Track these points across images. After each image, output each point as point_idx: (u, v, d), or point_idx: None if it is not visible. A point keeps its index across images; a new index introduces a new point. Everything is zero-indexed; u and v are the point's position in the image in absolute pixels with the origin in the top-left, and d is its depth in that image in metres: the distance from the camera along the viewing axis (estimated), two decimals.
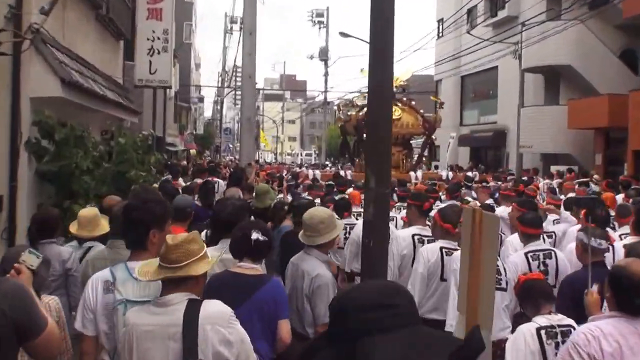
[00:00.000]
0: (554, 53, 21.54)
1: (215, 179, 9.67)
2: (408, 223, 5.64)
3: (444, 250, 4.51)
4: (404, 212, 6.92)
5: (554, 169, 19.34)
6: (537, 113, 22.58)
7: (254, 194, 7.05)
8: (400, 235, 5.28)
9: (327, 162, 34.53)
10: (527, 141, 22.34)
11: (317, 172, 15.07)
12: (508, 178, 14.69)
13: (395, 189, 8.90)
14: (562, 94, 22.91)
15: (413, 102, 15.20)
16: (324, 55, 40.40)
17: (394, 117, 13.59)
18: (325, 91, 39.61)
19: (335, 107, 17.62)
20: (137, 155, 6.92)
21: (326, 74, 39.40)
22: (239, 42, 40.67)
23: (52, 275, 3.87)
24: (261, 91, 63.63)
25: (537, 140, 22.30)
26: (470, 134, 29.62)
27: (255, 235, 3.14)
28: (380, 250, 3.84)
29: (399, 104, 14.75)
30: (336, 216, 4.14)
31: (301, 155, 57.91)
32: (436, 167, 22.95)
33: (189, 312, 2.36)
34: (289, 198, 8.30)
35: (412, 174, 13.83)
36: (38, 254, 2.58)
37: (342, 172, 14.21)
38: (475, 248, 2.32)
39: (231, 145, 41.95)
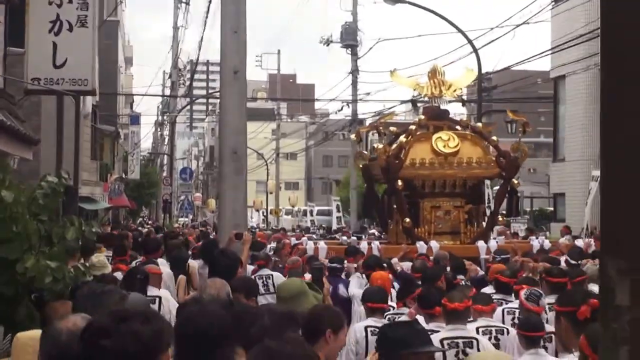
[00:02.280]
0: None
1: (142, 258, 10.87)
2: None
3: None
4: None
5: None
6: None
7: (277, 294, 6.97)
8: None
9: (365, 226, 33.52)
10: None
11: (322, 243, 15.92)
12: None
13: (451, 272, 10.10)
14: None
15: (478, 125, 16.42)
16: (350, 36, 39.97)
17: (446, 149, 15.35)
18: (355, 101, 39.57)
19: (353, 136, 18.89)
20: (38, 225, 6.39)
21: (355, 71, 38.84)
22: (206, 16, 41.42)
23: None
24: None
25: None
26: None
27: None
28: None
29: (457, 128, 16.08)
30: None
31: (311, 213, 56.86)
32: (542, 230, 24.49)
33: None
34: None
35: (480, 245, 14.63)
36: None
37: (362, 245, 15.14)
38: None
39: (191, 199, 41.25)
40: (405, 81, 17.65)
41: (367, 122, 30.71)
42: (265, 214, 61.45)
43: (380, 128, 16.50)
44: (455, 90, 16.60)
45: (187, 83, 44.18)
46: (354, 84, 39.09)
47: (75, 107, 18.31)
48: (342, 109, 42.09)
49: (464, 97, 19.71)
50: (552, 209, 40.13)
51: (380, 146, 15.77)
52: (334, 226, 39.39)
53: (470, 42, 30.57)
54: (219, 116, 12.06)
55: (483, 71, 28.99)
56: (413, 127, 16.22)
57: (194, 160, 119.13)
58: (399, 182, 15.21)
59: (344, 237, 20.04)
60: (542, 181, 64.82)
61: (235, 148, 11.07)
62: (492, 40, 30.22)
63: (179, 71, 43.70)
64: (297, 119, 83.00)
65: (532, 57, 31.28)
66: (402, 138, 15.97)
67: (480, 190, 16.59)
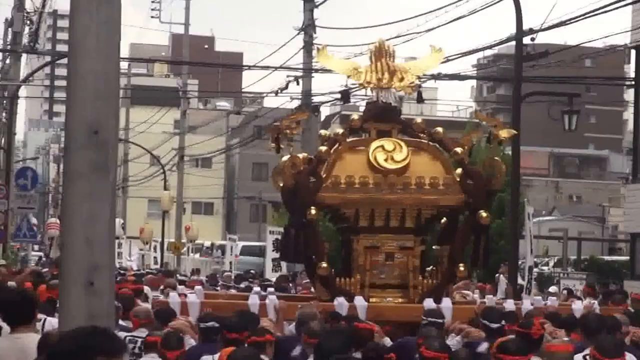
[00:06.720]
0: None
1: None
2: None
3: None
4: None
5: None
6: None
7: None
8: None
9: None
10: None
11: (193, 297, 13.34)
12: None
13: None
14: None
15: (438, 130, 14.10)
16: None
17: (389, 164, 13.19)
18: (309, 71, 30.61)
19: (271, 136, 14.79)
20: None
21: (310, 26, 30.02)
22: None
23: None
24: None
25: None
26: None
27: None
28: None
29: (410, 132, 13.95)
30: None
31: (231, 252, 40.33)
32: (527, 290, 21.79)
33: None
34: None
35: (427, 303, 12.34)
36: None
37: (251, 300, 12.98)
38: None
39: (31, 221, 32.89)
40: (338, 64, 14.97)
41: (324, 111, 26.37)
42: (159, 250, 47.96)
43: (287, 131, 13.73)
44: (409, 82, 13.67)
45: (39, 34, 31.76)
46: (308, 47, 29.75)
47: None
48: (287, 86, 31.64)
49: (422, 87, 16.77)
50: (608, 257, 35.77)
51: (286, 157, 13.51)
52: (269, 273, 29.34)
53: None
54: (68, 59, 6.75)
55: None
56: (340, 130, 14.04)
57: (53, 163, 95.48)
58: (312, 211, 13.02)
59: (258, 287, 17.76)
60: (593, 214, 57.84)
61: (95, 124, 7.15)
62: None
63: (26, 16, 30.82)
64: (213, 105, 70.38)
65: (602, 9, 22.64)
66: (322, 147, 13.75)
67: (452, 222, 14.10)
